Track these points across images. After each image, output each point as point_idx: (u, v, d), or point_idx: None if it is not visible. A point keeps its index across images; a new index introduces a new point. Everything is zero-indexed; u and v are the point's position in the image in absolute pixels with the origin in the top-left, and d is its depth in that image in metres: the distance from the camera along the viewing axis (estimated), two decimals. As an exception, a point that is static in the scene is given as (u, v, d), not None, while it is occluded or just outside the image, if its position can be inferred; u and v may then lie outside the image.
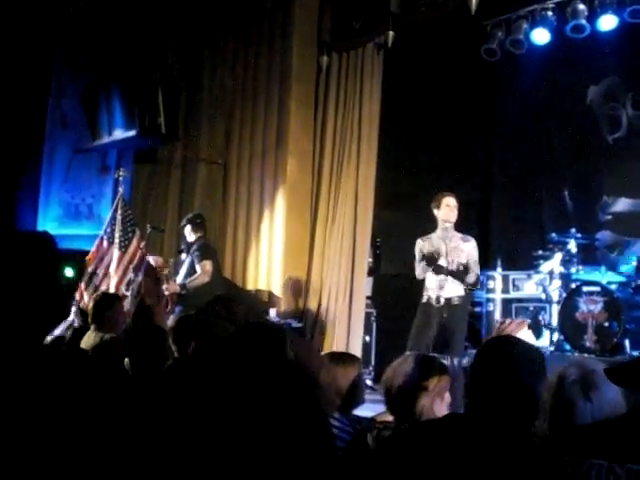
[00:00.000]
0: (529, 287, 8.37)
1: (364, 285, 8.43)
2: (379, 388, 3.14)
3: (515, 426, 2.21)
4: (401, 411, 2.96)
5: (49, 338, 4.59)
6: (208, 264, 7.24)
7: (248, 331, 2.76)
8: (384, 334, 8.55)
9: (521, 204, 9.44)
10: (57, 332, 4.84)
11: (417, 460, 2.16)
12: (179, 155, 9.87)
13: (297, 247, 8.75)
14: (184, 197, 9.76)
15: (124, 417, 1.95)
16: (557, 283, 7.80)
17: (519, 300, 8.47)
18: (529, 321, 7.02)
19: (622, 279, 7.66)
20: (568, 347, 7.42)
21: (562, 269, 7.76)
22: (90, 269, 7.96)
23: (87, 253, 8.17)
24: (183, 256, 7.70)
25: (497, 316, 8.39)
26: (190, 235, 7.58)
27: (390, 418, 3.07)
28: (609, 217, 8.91)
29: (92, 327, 4.93)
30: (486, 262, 6.78)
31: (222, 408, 1.66)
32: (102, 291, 7.12)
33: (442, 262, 6.33)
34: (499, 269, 8.56)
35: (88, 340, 4.79)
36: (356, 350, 7.78)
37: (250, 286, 8.95)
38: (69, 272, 8.63)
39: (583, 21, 7.41)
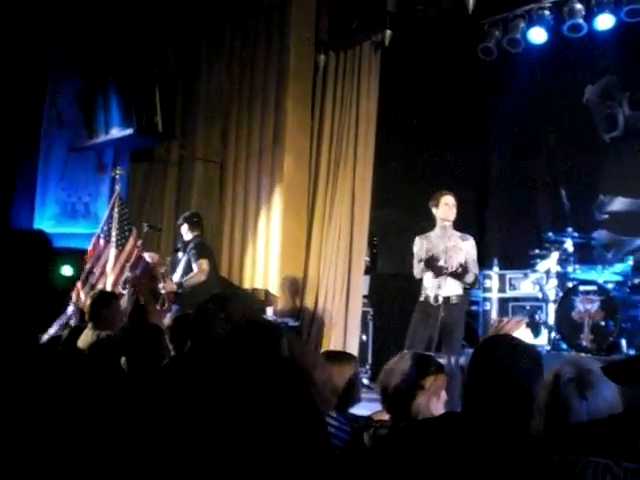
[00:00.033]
0: (526, 286, 8.38)
1: (361, 284, 8.43)
2: (375, 387, 3.14)
3: (512, 425, 2.21)
4: (397, 410, 2.96)
5: (45, 337, 4.59)
6: (205, 263, 7.24)
7: (244, 329, 2.76)
8: (381, 333, 8.56)
9: (518, 203, 9.45)
10: (52, 331, 4.83)
11: (414, 459, 2.16)
12: (176, 154, 9.86)
13: (294, 246, 8.74)
14: (181, 196, 9.75)
15: (120, 415, 1.95)
16: (554, 282, 7.82)
17: (516, 299, 8.48)
18: (527, 320, 7.04)
19: (618, 278, 7.67)
20: (565, 346, 7.44)
21: (559, 268, 7.77)
22: (87, 268, 7.98)
23: (84, 252, 8.18)
24: (180, 255, 7.69)
25: (494, 315, 8.40)
26: (187, 234, 7.57)
27: (386, 417, 3.07)
28: (606, 216, 8.93)
29: (89, 325, 4.93)
30: (483, 261, 6.79)
31: (217, 406, 1.66)
32: (99, 289, 7.12)
33: (441, 262, 6.33)
34: (496, 268, 8.57)
35: (85, 338, 4.79)
36: (353, 349, 7.78)
37: (247, 285, 8.94)
38: (68, 271, 8.63)
39: (580, 20, 7.41)
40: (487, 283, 8.50)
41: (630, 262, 7.63)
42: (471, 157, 9.75)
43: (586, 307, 7.23)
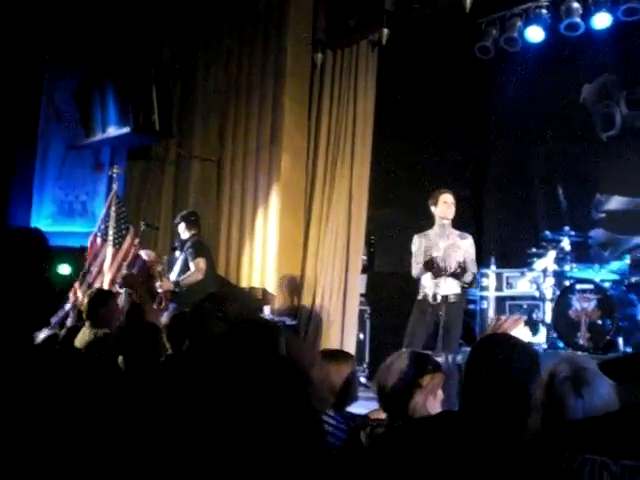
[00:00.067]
0: (523, 285, 8.38)
1: (358, 283, 8.43)
2: (372, 385, 3.14)
3: (509, 423, 2.21)
4: (394, 408, 2.96)
5: (41, 335, 4.58)
6: (202, 262, 7.24)
7: (241, 328, 2.76)
8: (378, 331, 8.56)
9: (515, 202, 9.46)
10: (46, 330, 4.81)
11: (411, 458, 2.17)
12: (173, 152, 9.86)
13: (291, 245, 8.74)
14: (178, 194, 9.75)
15: (117, 414, 1.95)
16: (551, 281, 7.83)
17: (513, 298, 8.47)
18: (525, 318, 7.05)
19: (615, 277, 7.68)
20: (561, 344, 7.45)
21: (556, 267, 7.78)
22: (85, 266, 7.98)
23: (81, 250, 8.17)
24: (177, 253, 7.69)
25: (491, 314, 8.40)
26: (184, 232, 7.57)
27: (383, 415, 3.07)
28: (603, 215, 8.94)
29: (87, 324, 4.93)
30: (480, 260, 6.80)
31: (214, 405, 1.66)
32: (96, 288, 7.11)
33: (440, 263, 6.33)
34: (493, 267, 8.57)
35: (83, 337, 4.79)
36: (350, 347, 7.78)
37: (244, 284, 8.94)
38: (65, 269, 8.62)
39: (577, 19, 7.42)
40: (484, 282, 8.50)
41: (627, 261, 7.65)
42: (468, 156, 9.77)
43: (583, 306, 7.24)
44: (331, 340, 8.15)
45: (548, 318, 7.78)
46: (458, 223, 6.65)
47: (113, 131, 9.07)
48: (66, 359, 1.97)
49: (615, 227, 8.81)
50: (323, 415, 3.04)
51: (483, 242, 8.82)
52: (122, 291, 7.06)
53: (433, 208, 6.53)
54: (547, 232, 7.93)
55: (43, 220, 9.87)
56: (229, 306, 3.14)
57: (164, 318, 5.23)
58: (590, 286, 7.31)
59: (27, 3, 9.41)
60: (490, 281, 8.53)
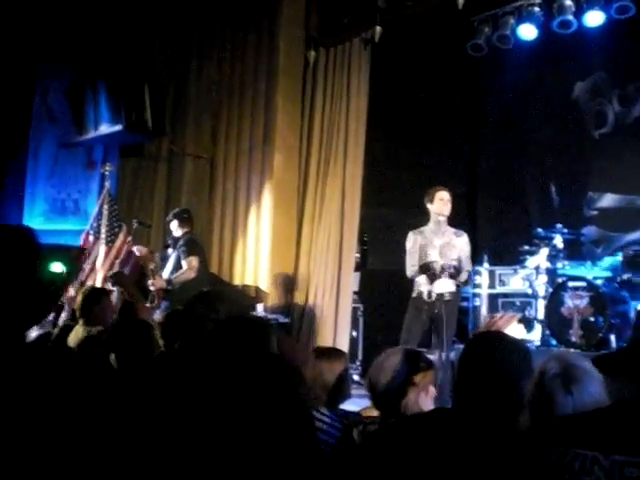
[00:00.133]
0: (515, 282, 8.40)
1: (351, 281, 8.43)
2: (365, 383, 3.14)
3: (501, 420, 2.22)
4: (387, 406, 2.96)
5: (33, 334, 4.57)
6: (194, 260, 7.23)
7: (233, 326, 2.76)
8: (371, 329, 8.58)
9: (507, 200, 9.48)
10: (38, 328, 4.80)
11: (405, 455, 2.17)
12: (165, 150, 9.84)
13: (284, 243, 8.74)
14: (170, 192, 9.74)
15: (109, 411, 1.95)
16: (543, 278, 7.84)
17: (505, 295, 8.49)
18: (519, 315, 7.06)
19: (608, 274, 7.70)
20: (554, 342, 7.46)
21: (548, 264, 7.79)
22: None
23: (74, 249, 8.16)
24: (169, 251, 7.67)
25: (484, 311, 8.42)
26: (177, 230, 7.55)
27: (375, 413, 3.07)
28: (595, 212, 8.96)
29: (80, 322, 4.92)
30: (473, 257, 6.81)
31: (205, 402, 1.66)
32: (90, 286, 7.11)
33: (434, 257, 6.35)
34: (485, 264, 8.58)
35: (76, 335, 4.78)
36: (343, 345, 7.79)
37: (237, 282, 8.94)
38: (58, 267, 8.60)
39: (570, 17, 7.43)
40: (477, 279, 8.52)
41: (619, 258, 7.66)
42: (461, 154, 9.78)
43: (575, 303, 7.25)
44: (324, 338, 8.16)
45: (541, 315, 7.80)
46: (451, 221, 6.66)
47: (105, 129, 9.04)
48: (58, 357, 1.96)
49: (607, 224, 8.83)
50: (316, 413, 3.04)
51: (476, 240, 8.83)
52: (115, 289, 7.05)
53: (429, 205, 6.54)
54: (539, 229, 7.94)
55: (35, 218, 9.85)
56: (220, 307, 3.14)
57: (157, 316, 5.23)
58: (582, 283, 7.32)
59: (20, 3, 9.37)
60: (483, 279, 8.54)
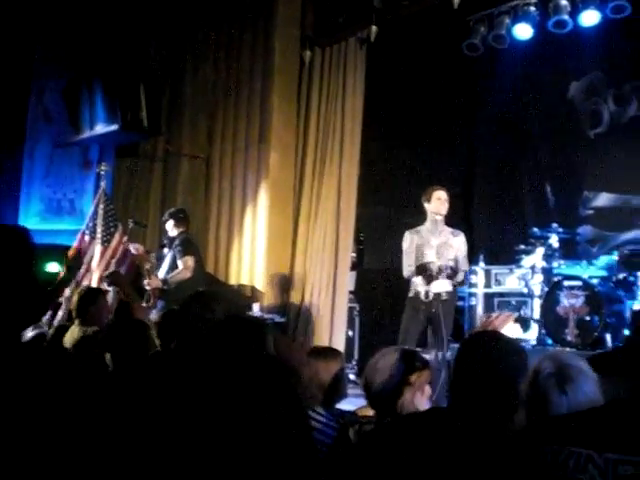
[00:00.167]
0: (511, 281, 8.41)
1: (347, 280, 8.43)
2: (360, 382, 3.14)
3: (496, 419, 2.22)
4: (383, 406, 2.96)
5: (29, 334, 4.57)
6: (190, 260, 7.22)
7: (228, 326, 2.76)
8: (367, 328, 8.58)
9: (503, 199, 9.48)
10: (33, 329, 4.80)
11: (400, 454, 2.17)
12: (161, 150, 9.83)
13: (280, 242, 8.74)
14: (166, 192, 9.73)
15: (103, 411, 1.95)
16: (539, 277, 7.85)
17: (501, 294, 8.50)
18: (516, 315, 7.07)
19: (603, 273, 7.71)
20: (550, 341, 7.47)
21: (544, 263, 7.80)
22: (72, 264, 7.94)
23: (69, 248, 8.14)
24: (165, 251, 7.67)
25: (479, 310, 8.43)
26: (172, 230, 7.54)
27: (371, 412, 3.08)
28: (590, 212, 8.97)
29: (76, 322, 4.92)
30: (468, 257, 6.81)
31: (201, 402, 1.66)
32: (86, 286, 7.09)
33: (431, 257, 6.35)
34: (481, 263, 8.59)
35: (72, 335, 4.78)
36: (339, 344, 7.79)
37: (233, 281, 8.94)
38: (54, 267, 8.59)
39: (565, 16, 7.44)
40: (473, 278, 8.53)
41: (615, 257, 7.67)
42: (456, 153, 9.78)
43: (571, 302, 7.26)
44: (320, 337, 8.16)
45: (536, 315, 7.81)
46: (447, 220, 6.66)
47: (101, 129, 9.03)
48: (53, 357, 1.96)
49: (603, 224, 8.84)
50: (312, 412, 3.04)
51: (471, 239, 8.83)
52: (111, 289, 7.04)
53: (426, 204, 6.54)
54: (535, 229, 7.95)
55: (31, 218, 9.84)
56: (216, 307, 3.14)
57: (153, 315, 5.23)
58: (578, 283, 7.33)
59: (15, 3, 9.36)
60: (479, 278, 8.55)
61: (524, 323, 7.89)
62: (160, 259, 7.70)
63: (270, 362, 1.79)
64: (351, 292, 8.65)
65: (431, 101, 9.11)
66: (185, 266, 7.18)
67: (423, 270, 6.31)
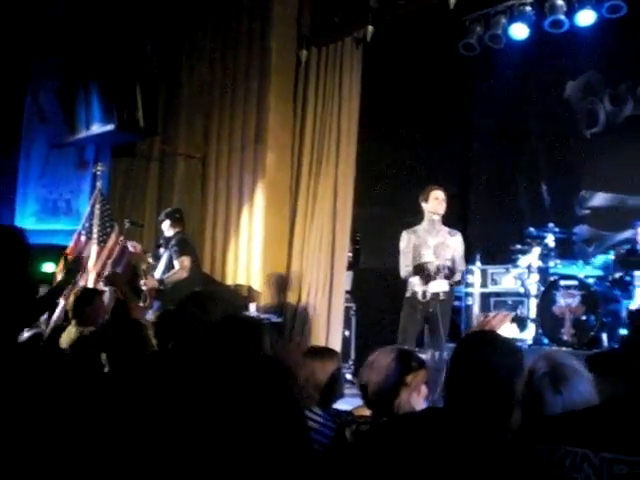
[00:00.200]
0: (507, 281, 8.41)
1: (344, 280, 8.43)
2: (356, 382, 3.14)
3: (493, 418, 2.22)
4: (380, 406, 2.96)
5: (26, 334, 4.57)
6: (187, 260, 7.21)
7: (225, 326, 2.76)
8: (363, 328, 8.58)
9: (499, 199, 9.49)
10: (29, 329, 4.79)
11: (397, 454, 2.17)
12: (157, 150, 9.83)
13: (276, 242, 8.74)
14: (162, 192, 9.72)
15: (98, 411, 1.94)
16: (535, 277, 7.86)
17: (497, 294, 8.50)
18: (512, 314, 7.07)
19: (599, 273, 7.72)
20: (546, 341, 7.48)
21: (540, 263, 7.81)
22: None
23: (66, 248, 8.13)
24: (161, 251, 7.66)
25: (476, 310, 8.43)
26: (168, 230, 7.53)
27: (367, 412, 3.07)
28: (587, 211, 8.99)
29: (73, 322, 4.92)
30: (465, 256, 6.82)
31: (197, 402, 1.65)
32: (82, 286, 7.08)
33: (428, 257, 6.34)
34: (478, 263, 8.60)
35: (68, 335, 4.77)
36: (336, 344, 7.79)
37: (229, 281, 8.93)
38: (49, 267, 8.58)
39: (561, 16, 7.46)
40: (469, 278, 8.53)
41: (611, 257, 7.68)
42: (453, 153, 9.79)
43: (567, 302, 7.27)
44: (317, 337, 8.16)
45: (533, 314, 7.82)
46: (443, 220, 6.66)
47: (97, 128, 9.01)
48: (48, 357, 1.96)
49: (599, 223, 8.86)
50: (309, 412, 3.04)
51: (468, 239, 8.83)
52: (107, 289, 7.03)
53: (424, 204, 6.53)
54: (531, 229, 7.96)
55: (27, 219, 9.82)
56: (212, 308, 3.14)
57: (149, 315, 5.23)
58: (574, 282, 7.34)
59: (11, 3, 9.34)
60: (475, 278, 8.56)
61: (520, 323, 7.90)
62: (156, 259, 7.69)
63: (267, 362, 1.78)
64: (347, 292, 8.65)
65: (427, 101, 9.12)
66: (181, 266, 7.18)
67: (421, 270, 6.30)
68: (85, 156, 9.91)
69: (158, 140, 9.72)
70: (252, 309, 8.28)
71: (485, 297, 8.52)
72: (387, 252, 7.17)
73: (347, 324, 8.55)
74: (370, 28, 8.10)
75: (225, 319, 2.90)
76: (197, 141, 9.60)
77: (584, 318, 7.16)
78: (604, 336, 7.15)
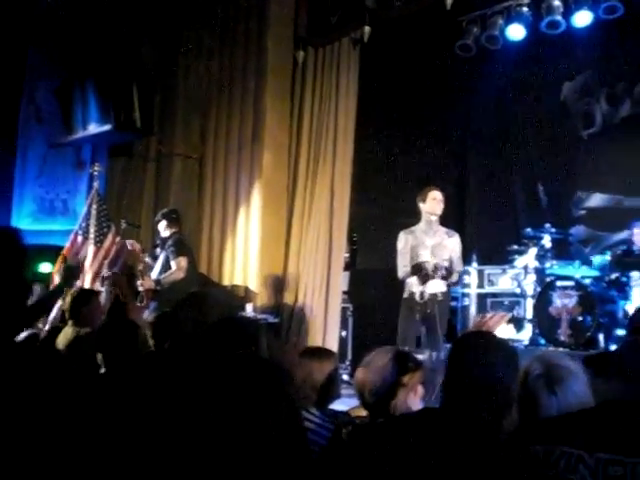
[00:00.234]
0: (504, 282, 8.42)
1: (340, 280, 8.44)
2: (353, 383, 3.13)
3: (488, 420, 2.22)
4: (376, 406, 2.96)
5: (22, 334, 4.56)
6: (183, 260, 7.21)
7: (222, 327, 2.76)
8: (360, 329, 8.57)
9: (496, 199, 9.49)
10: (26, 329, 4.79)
11: (394, 455, 2.17)
12: (154, 150, 9.81)
13: (273, 242, 8.73)
14: (159, 192, 9.71)
15: (94, 411, 1.94)
16: (532, 278, 7.86)
17: (494, 295, 8.51)
18: (509, 315, 7.07)
19: (596, 273, 7.73)
20: (543, 341, 7.48)
21: (537, 264, 7.82)
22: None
23: (63, 249, 8.12)
24: (157, 251, 7.65)
25: (472, 311, 8.44)
26: (165, 230, 7.53)
27: (364, 412, 3.07)
28: (583, 212, 9.00)
29: (69, 323, 4.91)
30: (462, 257, 6.83)
31: (194, 403, 1.66)
32: (79, 287, 7.08)
33: (426, 258, 6.34)
34: (474, 264, 8.60)
35: (65, 336, 4.77)
36: (332, 345, 7.79)
37: (226, 281, 8.93)
38: (46, 267, 8.57)
39: (558, 17, 7.46)
40: (466, 279, 8.54)
41: (607, 257, 7.69)
42: (449, 153, 9.80)
43: (564, 302, 7.27)
44: (313, 337, 8.16)
45: (529, 315, 7.82)
46: (440, 221, 6.66)
47: (94, 129, 9.01)
48: (44, 358, 1.96)
49: (596, 224, 8.87)
50: (305, 413, 3.04)
51: (464, 239, 8.82)
52: (104, 289, 7.03)
53: (421, 204, 6.52)
54: (528, 229, 7.97)
55: (24, 219, 9.81)
56: (208, 310, 3.14)
57: (146, 316, 5.22)
58: (571, 283, 7.35)
59: (8, 3, 9.33)
60: (472, 278, 8.57)
61: (517, 323, 7.90)
62: (153, 260, 7.69)
63: (264, 363, 1.79)
64: (344, 292, 8.65)
65: (424, 101, 9.13)
66: (178, 267, 7.17)
67: (418, 269, 6.28)
68: (82, 156, 9.91)
69: (155, 140, 9.71)
70: (249, 309, 8.28)
71: (482, 298, 8.53)
72: (384, 252, 7.18)
73: (344, 324, 8.55)
74: (367, 29, 8.10)
75: (221, 320, 2.90)
76: (194, 141, 9.60)
77: (580, 319, 7.17)
78: (601, 337, 7.16)
